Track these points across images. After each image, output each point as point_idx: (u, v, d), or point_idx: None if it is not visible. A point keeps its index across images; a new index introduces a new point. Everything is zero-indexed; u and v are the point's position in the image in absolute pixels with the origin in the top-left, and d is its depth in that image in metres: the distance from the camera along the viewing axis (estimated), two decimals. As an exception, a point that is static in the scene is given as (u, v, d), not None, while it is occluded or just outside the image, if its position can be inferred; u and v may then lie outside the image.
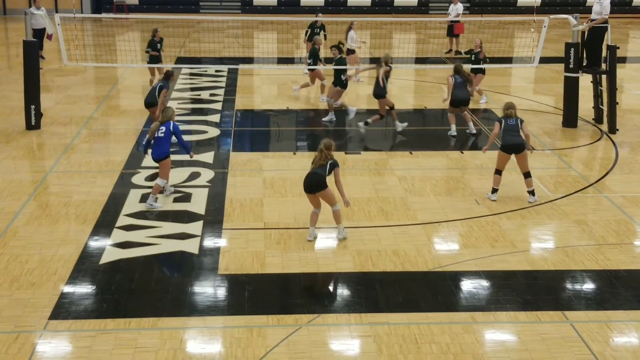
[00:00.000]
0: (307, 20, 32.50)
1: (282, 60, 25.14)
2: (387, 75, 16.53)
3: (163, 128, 12.53)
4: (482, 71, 19.35)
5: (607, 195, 13.32)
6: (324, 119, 17.80)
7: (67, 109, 18.83)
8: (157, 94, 15.86)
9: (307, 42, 23.21)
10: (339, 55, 17.71)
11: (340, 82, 17.47)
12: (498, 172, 12.99)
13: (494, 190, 13.02)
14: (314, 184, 11.07)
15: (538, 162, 14.98)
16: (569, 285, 10.13)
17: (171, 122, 12.60)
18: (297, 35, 31.62)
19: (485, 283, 10.06)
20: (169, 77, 16.36)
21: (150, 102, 15.99)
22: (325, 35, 22.73)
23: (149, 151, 12.99)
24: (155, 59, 19.94)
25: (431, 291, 9.84)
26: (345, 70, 17.60)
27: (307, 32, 23.00)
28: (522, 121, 12.95)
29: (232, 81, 22.17)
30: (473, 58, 19.25)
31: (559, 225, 12.01)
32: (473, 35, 30.35)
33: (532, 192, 12.92)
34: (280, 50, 27.93)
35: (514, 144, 12.73)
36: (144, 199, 12.79)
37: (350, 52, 21.46)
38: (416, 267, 10.47)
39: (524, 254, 10.94)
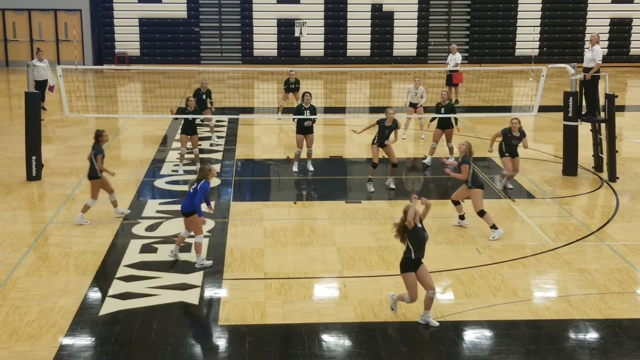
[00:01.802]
0: (307, 71, 32.81)
1: (282, 110, 25.17)
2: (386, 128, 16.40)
3: (197, 185, 12.01)
4: (451, 125, 18.60)
5: (609, 243, 13.28)
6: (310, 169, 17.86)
7: (68, 159, 18.88)
8: (95, 162, 13.92)
9: (285, 94, 23.67)
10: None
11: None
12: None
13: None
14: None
15: (539, 210, 14.99)
16: (572, 335, 10.05)
17: (203, 181, 11.98)
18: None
19: (487, 333, 9.98)
20: (98, 138, 14.24)
21: (92, 175, 14.04)
22: (297, 89, 23.22)
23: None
24: (189, 126, 17.50)
25: (433, 341, 9.76)
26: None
27: (285, 87, 23.52)
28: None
29: (232, 131, 22.27)
30: (443, 111, 18.48)
31: (561, 274, 11.95)
32: (472, 84, 30.59)
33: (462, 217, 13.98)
34: (280, 100, 28.08)
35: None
36: (144, 249, 12.77)
37: (411, 105, 21.68)
38: (418, 316, 10.38)
39: (526, 303, 10.87)
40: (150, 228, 13.84)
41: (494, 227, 13.39)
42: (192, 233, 12.23)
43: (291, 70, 23.66)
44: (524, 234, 13.65)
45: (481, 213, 13.46)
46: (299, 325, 10.15)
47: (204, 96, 20.11)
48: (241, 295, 11.00)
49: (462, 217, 14.00)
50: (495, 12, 38.47)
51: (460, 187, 13.85)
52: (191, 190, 12.02)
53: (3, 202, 15.32)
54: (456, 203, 14.00)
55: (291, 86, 23.26)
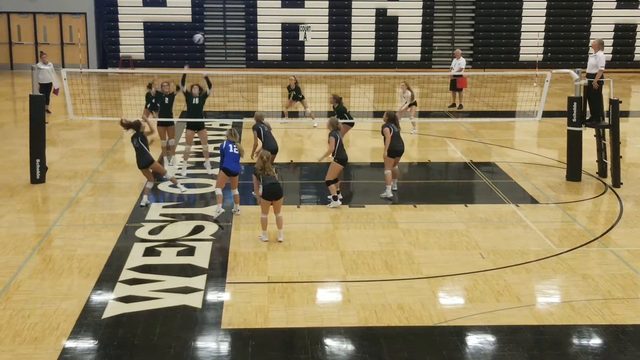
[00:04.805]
0: (311, 75, 32.86)
1: (288, 115, 25.28)
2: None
3: (234, 147, 14.42)
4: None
5: (613, 249, 13.27)
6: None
7: (72, 162, 18.92)
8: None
9: (290, 100, 23.94)
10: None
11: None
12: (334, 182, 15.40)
13: (335, 198, 15.42)
14: (278, 192, 13.23)
15: (543, 215, 14.97)
16: (575, 341, 10.03)
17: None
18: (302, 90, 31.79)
19: (491, 338, 9.97)
20: (138, 129, 15.27)
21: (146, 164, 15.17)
22: (298, 98, 23.55)
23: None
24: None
25: (436, 346, 9.74)
26: None
27: (289, 95, 23.69)
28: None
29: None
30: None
31: (565, 279, 11.93)
32: (476, 89, 30.59)
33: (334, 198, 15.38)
34: (284, 104, 28.14)
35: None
36: (147, 252, 12.78)
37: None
38: (421, 321, 10.38)
39: (529, 308, 10.85)
40: (154, 231, 13.85)
41: (334, 197, 15.35)
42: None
43: (292, 76, 23.74)
44: (528, 239, 13.64)
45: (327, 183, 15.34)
46: (302, 330, 10.15)
47: (293, 92, 22.54)
48: (244, 299, 11.00)
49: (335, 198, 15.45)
50: (500, 17, 38.54)
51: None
52: (236, 152, 14.38)
53: (7, 205, 15.35)
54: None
55: (292, 93, 23.38)
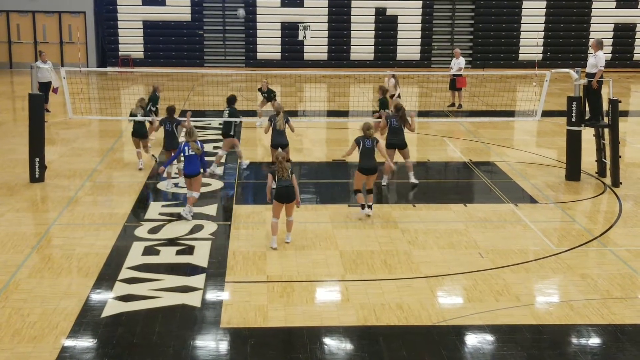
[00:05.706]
0: (311, 74, 32.87)
1: (285, 113, 25.27)
2: None
3: (189, 148, 14.21)
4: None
5: (612, 248, 13.27)
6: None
7: (72, 161, 18.90)
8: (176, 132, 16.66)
9: (263, 102, 23.74)
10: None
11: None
12: (358, 191, 14.79)
13: (363, 206, 14.72)
14: (291, 195, 12.92)
15: (542, 215, 14.97)
16: (574, 340, 10.04)
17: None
18: (301, 89, 31.87)
19: (489, 337, 9.97)
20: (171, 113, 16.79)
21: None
22: (269, 97, 23.39)
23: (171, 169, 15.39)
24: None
25: (435, 346, 9.75)
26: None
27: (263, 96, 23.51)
28: (377, 141, 14.64)
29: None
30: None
31: (564, 279, 11.94)
32: (475, 89, 30.60)
33: (370, 206, 14.65)
34: (283, 104, 28.13)
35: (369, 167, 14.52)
36: (146, 251, 12.78)
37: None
38: (420, 321, 10.39)
39: (528, 307, 10.86)
40: (153, 230, 13.85)
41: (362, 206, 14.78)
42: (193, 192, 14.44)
43: (264, 79, 23.55)
44: (527, 239, 13.65)
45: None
46: (301, 329, 10.15)
47: (265, 94, 22.50)
48: (243, 298, 11.01)
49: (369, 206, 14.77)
50: (499, 17, 38.53)
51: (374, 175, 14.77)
52: (191, 153, 14.13)
53: (6, 204, 15.34)
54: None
55: (264, 95, 23.29)
